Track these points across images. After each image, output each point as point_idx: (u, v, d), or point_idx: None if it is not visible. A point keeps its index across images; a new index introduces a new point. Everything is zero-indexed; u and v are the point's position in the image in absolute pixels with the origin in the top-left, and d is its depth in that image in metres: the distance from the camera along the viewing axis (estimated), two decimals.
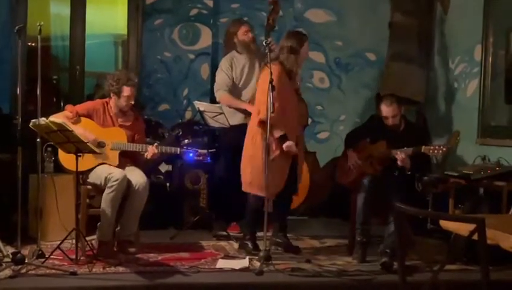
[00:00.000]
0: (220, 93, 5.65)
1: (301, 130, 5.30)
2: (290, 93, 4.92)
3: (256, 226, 5.04)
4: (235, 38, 5.69)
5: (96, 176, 4.73)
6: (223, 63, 5.73)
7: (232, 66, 5.64)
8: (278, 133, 4.78)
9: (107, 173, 4.65)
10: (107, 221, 4.65)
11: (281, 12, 5.90)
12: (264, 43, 4.78)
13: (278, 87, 4.64)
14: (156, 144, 4.88)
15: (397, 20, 6.90)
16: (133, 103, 4.95)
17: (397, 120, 4.97)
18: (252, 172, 4.88)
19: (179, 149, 4.94)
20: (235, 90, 5.64)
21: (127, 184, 4.68)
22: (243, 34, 5.65)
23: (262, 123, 4.79)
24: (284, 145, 4.78)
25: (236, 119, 5.57)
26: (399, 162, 4.83)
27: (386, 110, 4.96)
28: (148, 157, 4.84)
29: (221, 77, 5.66)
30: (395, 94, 5.23)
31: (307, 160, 5.77)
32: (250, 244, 4.98)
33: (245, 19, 6.90)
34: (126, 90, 4.88)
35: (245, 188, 4.96)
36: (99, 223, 4.69)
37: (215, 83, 5.74)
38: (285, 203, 5.12)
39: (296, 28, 5.97)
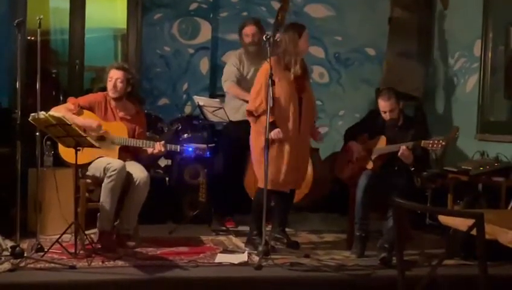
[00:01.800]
0: (228, 84, 5.70)
1: (310, 122, 5.10)
2: (285, 84, 4.87)
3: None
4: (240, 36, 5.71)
5: (96, 168, 4.73)
6: (232, 58, 5.78)
7: (240, 60, 5.65)
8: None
9: (106, 163, 4.66)
10: (107, 211, 4.65)
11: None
12: (264, 38, 4.79)
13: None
14: (163, 141, 4.87)
15: (397, 16, 6.90)
16: (119, 88, 4.90)
17: (395, 114, 4.96)
18: (256, 166, 4.95)
19: (178, 147, 4.93)
20: (242, 84, 5.65)
21: (127, 177, 4.68)
22: (244, 35, 5.65)
23: (249, 113, 4.90)
24: (272, 133, 4.73)
25: (238, 115, 5.58)
26: (399, 155, 4.82)
27: (383, 104, 4.95)
28: (154, 153, 4.84)
29: (229, 69, 5.71)
30: (393, 88, 5.21)
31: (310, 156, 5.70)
32: (258, 240, 4.91)
33: (244, 13, 6.94)
34: (110, 72, 4.93)
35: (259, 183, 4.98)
36: (99, 214, 4.70)
37: (223, 75, 5.77)
38: (287, 199, 5.11)
39: (285, 23, 5.94)
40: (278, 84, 4.76)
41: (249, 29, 5.62)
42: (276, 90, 4.75)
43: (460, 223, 2.78)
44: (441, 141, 4.69)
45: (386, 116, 4.97)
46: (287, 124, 4.85)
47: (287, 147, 4.85)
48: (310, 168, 5.37)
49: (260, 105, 4.82)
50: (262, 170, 4.79)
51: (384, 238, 4.78)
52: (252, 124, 4.98)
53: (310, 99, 5.07)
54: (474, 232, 2.46)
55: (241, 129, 5.42)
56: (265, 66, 4.81)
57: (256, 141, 4.93)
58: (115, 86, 4.91)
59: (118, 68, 4.94)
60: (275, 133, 4.76)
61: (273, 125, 4.73)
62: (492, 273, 2.80)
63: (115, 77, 4.91)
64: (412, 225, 5.39)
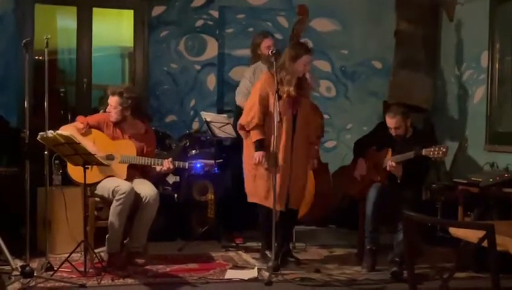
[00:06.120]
0: (240, 97, 5.74)
1: (304, 140, 5.01)
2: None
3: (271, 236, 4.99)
4: (258, 50, 5.75)
5: (104, 188, 4.73)
6: (247, 72, 5.82)
7: (254, 74, 5.68)
8: (254, 138, 4.80)
9: (114, 185, 4.66)
10: (115, 233, 4.66)
11: (286, 24, 5.94)
12: (270, 52, 4.82)
13: (266, 95, 4.73)
14: (171, 159, 4.87)
15: (403, 28, 6.90)
16: (114, 113, 4.91)
17: (401, 131, 4.92)
18: (246, 181, 4.96)
19: (187, 164, 4.92)
20: None
21: (135, 197, 4.68)
22: (264, 48, 5.68)
23: (240, 127, 4.92)
24: (256, 154, 4.78)
25: None
26: (387, 168, 4.82)
27: (390, 121, 4.94)
28: (163, 170, 4.84)
29: (243, 83, 5.76)
30: (402, 104, 5.18)
31: (320, 170, 5.66)
32: (269, 254, 4.84)
33: (250, 29, 6.97)
34: (110, 100, 4.96)
35: (248, 197, 4.98)
36: (107, 236, 4.70)
37: (237, 88, 5.83)
38: (290, 215, 5.06)
39: (301, 38, 5.95)
40: (271, 98, 4.76)
41: (268, 42, 5.68)
42: (269, 105, 4.76)
43: (471, 235, 2.76)
44: (441, 148, 4.64)
45: (392, 132, 4.96)
46: (278, 139, 4.78)
47: (279, 164, 4.78)
48: (311, 185, 5.34)
49: (252, 120, 4.82)
50: (250, 184, 4.88)
51: (394, 251, 4.76)
52: (244, 139, 4.97)
53: (307, 116, 4.98)
54: (485, 244, 2.44)
55: None
56: (258, 83, 4.91)
57: (247, 156, 4.92)
58: (110, 111, 4.95)
59: (112, 94, 4.95)
60: (259, 155, 4.76)
61: (262, 144, 4.75)
62: (505, 286, 2.77)
63: (111, 103, 4.96)
64: (422, 237, 5.35)
